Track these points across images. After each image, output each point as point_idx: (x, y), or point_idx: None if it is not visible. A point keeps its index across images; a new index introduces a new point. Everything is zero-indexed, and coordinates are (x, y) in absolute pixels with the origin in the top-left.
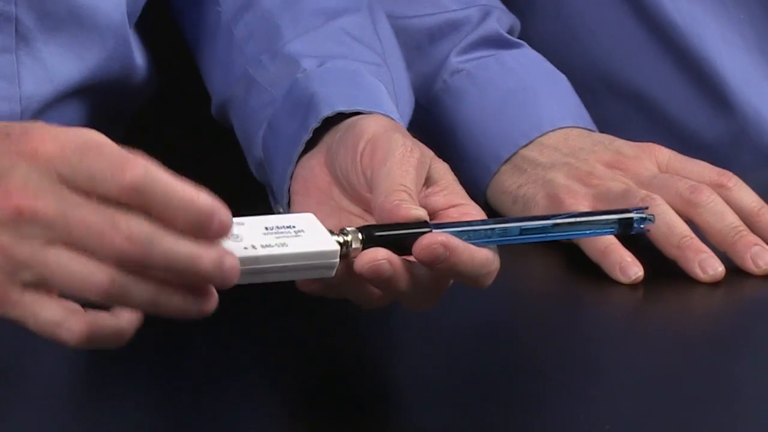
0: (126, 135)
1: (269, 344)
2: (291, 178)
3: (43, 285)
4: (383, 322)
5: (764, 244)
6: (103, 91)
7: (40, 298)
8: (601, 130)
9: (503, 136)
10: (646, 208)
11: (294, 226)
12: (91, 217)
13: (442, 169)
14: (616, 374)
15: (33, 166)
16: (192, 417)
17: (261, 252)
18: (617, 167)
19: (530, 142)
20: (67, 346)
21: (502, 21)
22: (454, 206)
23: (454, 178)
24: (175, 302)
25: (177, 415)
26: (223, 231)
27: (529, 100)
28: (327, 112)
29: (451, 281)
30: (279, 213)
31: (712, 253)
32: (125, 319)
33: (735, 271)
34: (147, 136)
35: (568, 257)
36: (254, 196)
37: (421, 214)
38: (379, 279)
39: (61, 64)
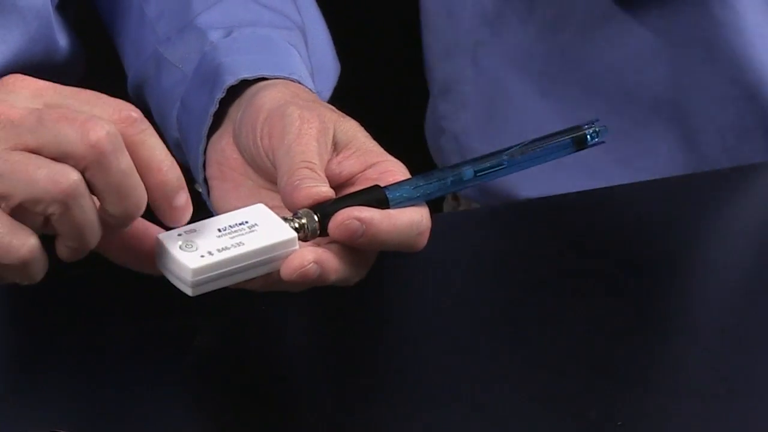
0: None
1: (268, 340)
2: (204, 153)
3: None
4: (389, 315)
5: None
6: (27, 74)
7: None
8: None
9: None
10: (597, 120)
11: (247, 222)
12: (69, 113)
13: (350, 130)
14: (629, 368)
15: (20, 92)
16: (192, 415)
17: (218, 257)
18: None
19: None
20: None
21: None
22: (370, 166)
23: (366, 135)
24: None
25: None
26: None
27: None
28: (231, 80)
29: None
30: (199, 192)
31: None
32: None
33: (756, 262)
34: None
35: (580, 245)
36: None
37: (325, 190)
38: (309, 282)
39: None
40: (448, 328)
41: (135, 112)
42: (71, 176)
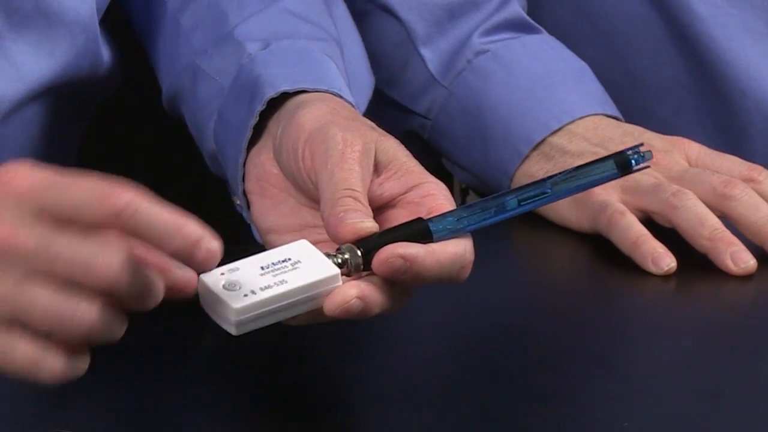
0: (89, 129)
1: (276, 340)
2: (243, 166)
3: (17, 322)
4: (398, 315)
5: None
6: (73, 87)
7: (13, 336)
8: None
9: (534, 118)
10: (641, 145)
11: (290, 259)
12: (75, 246)
13: (391, 149)
14: (639, 370)
15: (9, 201)
16: (199, 415)
17: (261, 296)
18: None
19: (559, 129)
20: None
21: (521, 3)
22: (411, 188)
23: (407, 154)
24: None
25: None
26: (211, 259)
27: (558, 85)
28: (271, 93)
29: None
30: (237, 205)
31: (744, 246)
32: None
33: (760, 261)
34: (112, 129)
35: (596, 249)
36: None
37: (369, 225)
38: (352, 316)
39: (31, 62)
40: (451, 327)
41: (119, 198)
42: (92, 313)
